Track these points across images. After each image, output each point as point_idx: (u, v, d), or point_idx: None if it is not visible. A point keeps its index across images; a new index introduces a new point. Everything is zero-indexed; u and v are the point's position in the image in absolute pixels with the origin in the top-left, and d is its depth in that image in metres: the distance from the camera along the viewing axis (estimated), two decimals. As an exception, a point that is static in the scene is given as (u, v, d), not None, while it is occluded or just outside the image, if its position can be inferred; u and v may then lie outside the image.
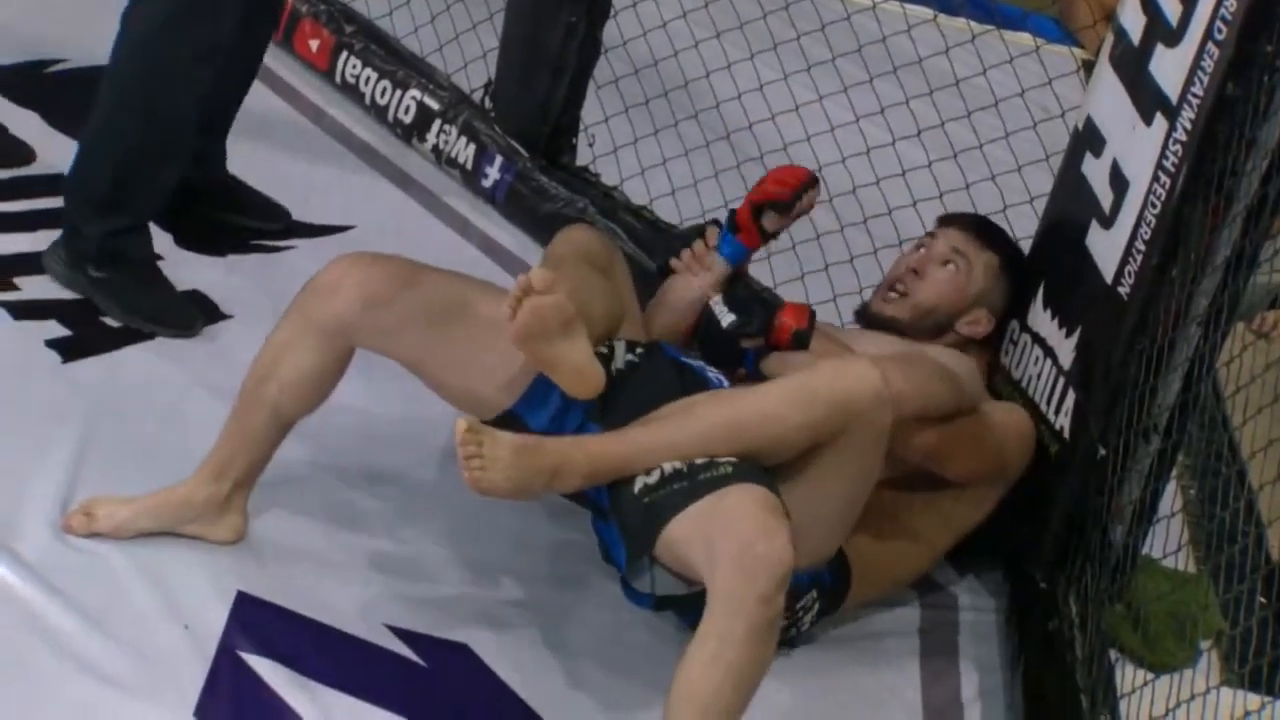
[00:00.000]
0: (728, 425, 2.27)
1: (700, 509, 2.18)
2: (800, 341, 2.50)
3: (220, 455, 2.40)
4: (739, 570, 2.06)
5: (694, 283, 2.67)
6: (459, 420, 2.18)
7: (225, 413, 2.42)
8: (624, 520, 2.28)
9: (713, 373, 2.49)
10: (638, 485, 2.25)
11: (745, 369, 2.54)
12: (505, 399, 2.38)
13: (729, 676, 2.06)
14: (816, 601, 2.49)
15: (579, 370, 2.29)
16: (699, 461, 2.25)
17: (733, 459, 2.25)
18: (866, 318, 2.78)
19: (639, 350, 2.47)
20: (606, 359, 2.41)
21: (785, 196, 2.63)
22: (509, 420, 2.38)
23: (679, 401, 2.36)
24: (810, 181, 2.66)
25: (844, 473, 2.32)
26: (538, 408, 2.38)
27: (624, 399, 2.37)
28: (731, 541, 2.09)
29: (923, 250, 2.78)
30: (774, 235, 2.69)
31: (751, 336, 2.53)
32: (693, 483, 2.22)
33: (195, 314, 2.88)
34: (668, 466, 2.25)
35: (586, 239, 2.61)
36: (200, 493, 2.39)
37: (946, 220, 2.86)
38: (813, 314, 2.54)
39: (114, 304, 2.84)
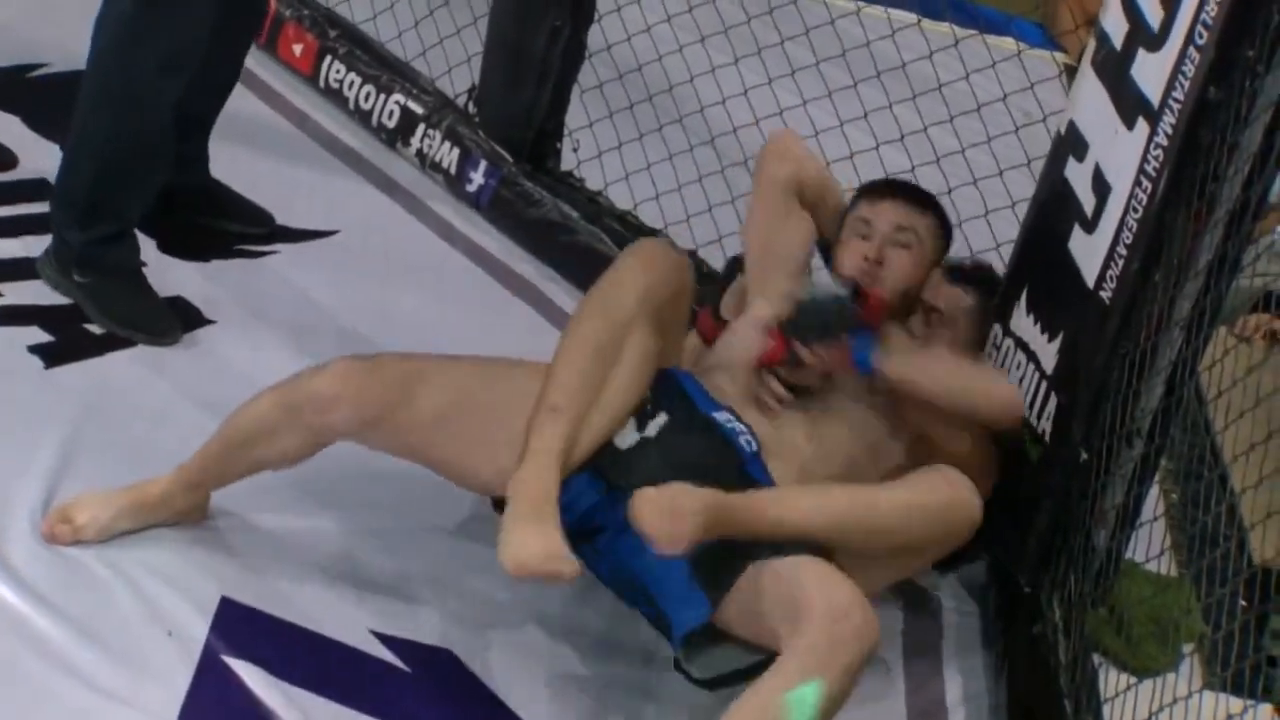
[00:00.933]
0: (866, 523, 2.35)
1: (775, 567, 2.22)
2: (885, 311, 2.57)
3: (200, 470, 2.41)
4: (831, 642, 2.08)
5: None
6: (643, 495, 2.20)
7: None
8: (704, 559, 2.27)
9: (742, 437, 2.46)
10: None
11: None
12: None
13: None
14: None
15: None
16: None
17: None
18: None
19: (653, 413, 2.43)
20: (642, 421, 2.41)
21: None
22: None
23: (814, 486, 2.43)
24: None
25: (900, 572, 2.47)
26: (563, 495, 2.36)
27: (639, 478, 2.32)
28: (820, 608, 2.11)
29: (869, 238, 2.71)
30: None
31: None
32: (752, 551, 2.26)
33: (175, 322, 2.88)
34: None
35: (659, 286, 2.44)
36: (176, 500, 2.42)
37: (870, 194, 2.78)
38: None
39: (95, 309, 2.84)
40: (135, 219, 2.89)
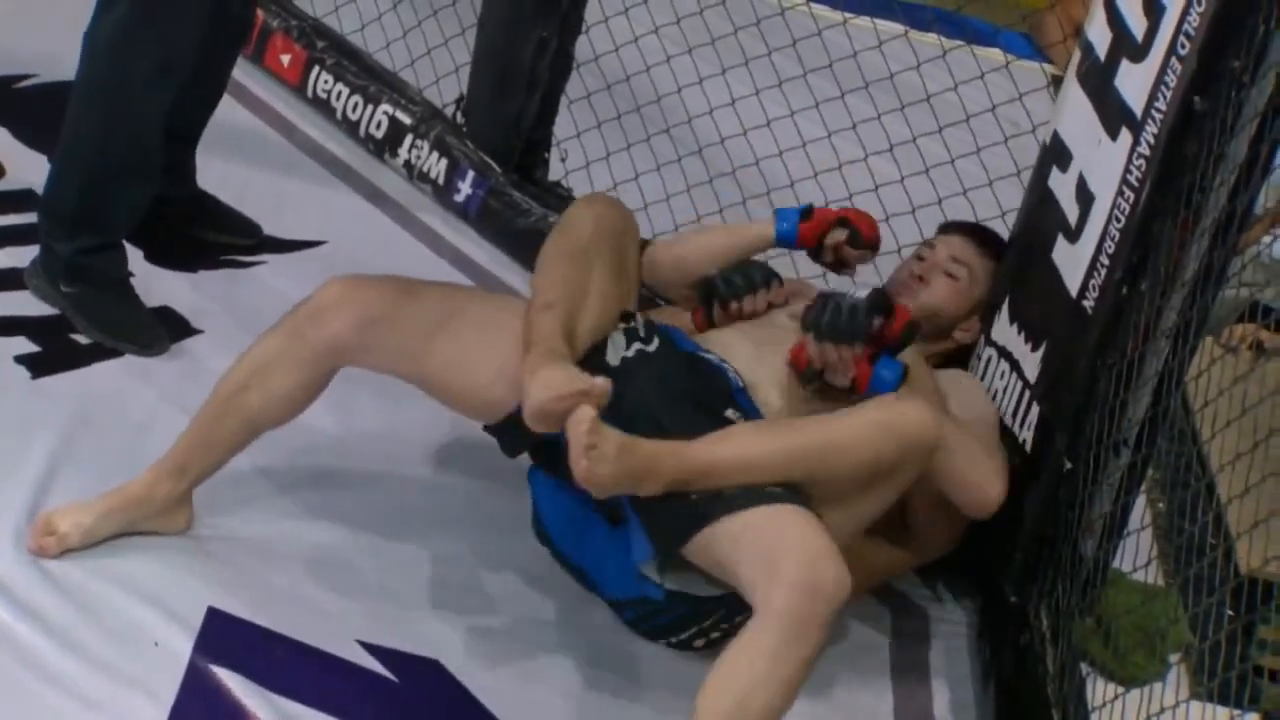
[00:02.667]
0: (818, 449, 2.33)
1: (756, 516, 2.23)
2: (912, 331, 2.56)
3: (182, 453, 2.41)
4: (804, 593, 2.11)
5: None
6: (583, 411, 2.20)
7: (233, 362, 2.42)
8: (658, 511, 2.29)
9: (729, 366, 2.50)
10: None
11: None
12: (513, 398, 2.38)
13: (780, 694, 2.10)
14: None
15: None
16: None
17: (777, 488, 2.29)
18: None
19: (645, 339, 2.48)
20: (601, 351, 2.44)
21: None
22: (517, 420, 2.40)
23: (761, 421, 2.42)
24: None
25: (876, 503, 2.41)
26: None
27: (633, 393, 2.38)
28: (795, 563, 2.13)
29: (924, 259, 2.82)
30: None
31: (882, 316, 2.52)
32: (743, 490, 2.26)
33: (161, 333, 2.89)
34: None
35: (610, 215, 2.58)
36: (160, 489, 2.40)
37: (947, 228, 2.92)
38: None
39: (83, 320, 2.85)
40: (123, 230, 2.90)
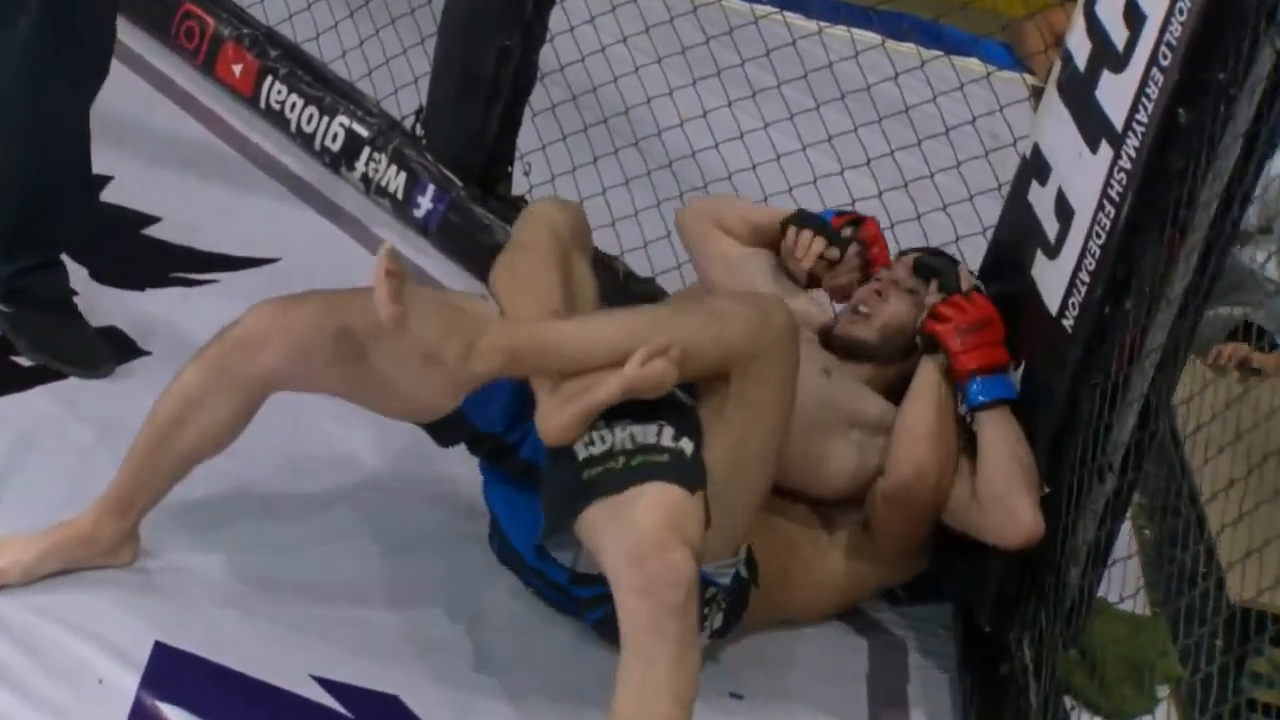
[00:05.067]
0: (653, 320, 2.36)
1: (621, 501, 2.23)
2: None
3: (123, 490, 2.41)
4: (639, 592, 2.14)
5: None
6: (384, 247, 2.20)
7: (161, 394, 2.42)
8: (553, 485, 2.32)
9: None
10: (582, 453, 2.29)
11: (972, 399, 2.66)
12: (449, 401, 2.40)
13: (663, 694, 2.12)
14: (721, 602, 2.52)
15: None
16: (642, 440, 2.29)
17: (672, 445, 2.29)
18: (832, 342, 2.81)
19: None
20: None
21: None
22: (458, 422, 2.41)
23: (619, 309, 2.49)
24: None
25: (755, 399, 2.39)
26: (487, 403, 2.42)
27: None
28: (625, 558, 2.16)
29: (883, 279, 2.86)
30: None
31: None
32: (627, 466, 2.26)
33: (106, 354, 2.89)
34: (617, 440, 2.29)
35: (560, 217, 2.59)
36: (105, 529, 2.41)
37: (905, 252, 2.95)
38: None
39: (24, 342, 2.85)
40: (61, 246, 2.89)
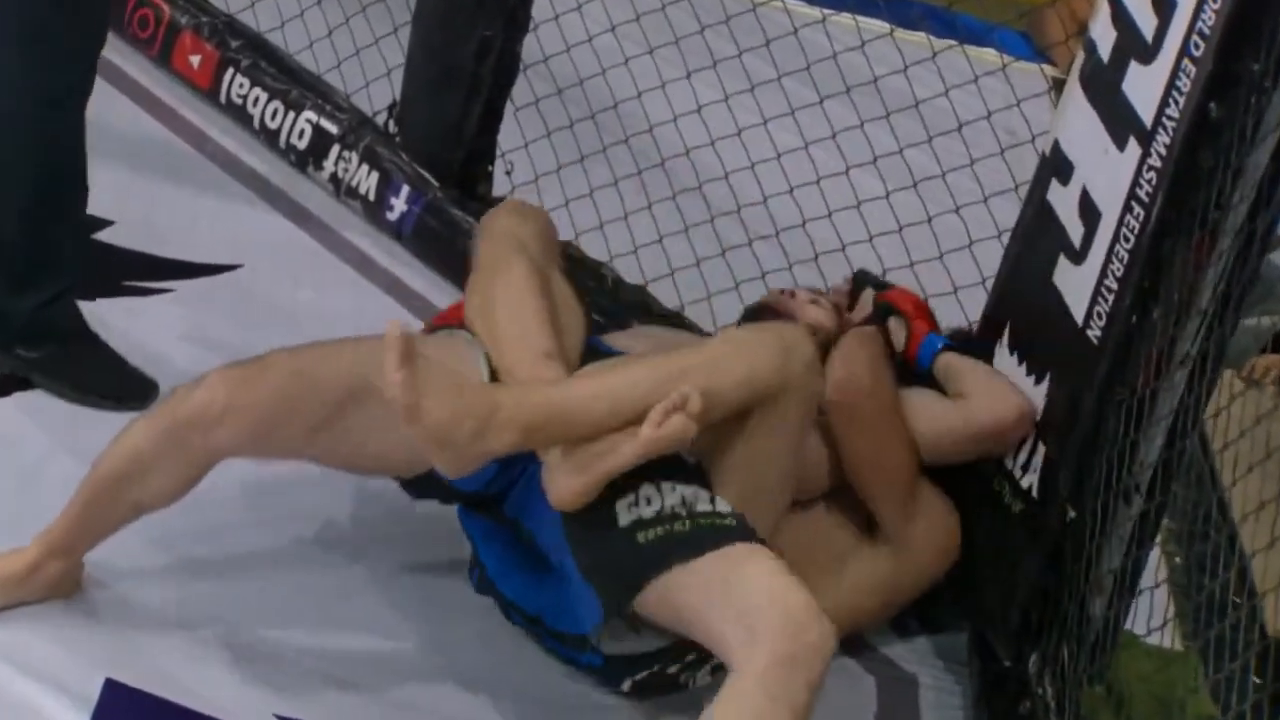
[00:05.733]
0: (671, 369, 2.34)
1: (713, 563, 2.24)
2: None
3: (67, 534, 2.40)
4: (791, 659, 2.13)
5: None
6: (393, 326, 2.16)
7: (108, 446, 2.41)
8: (603, 555, 2.30)
9: None
10: (624, 518, 2.29)
11: (923, 359, 2.85)
12: (423, 462, 2.38)
13: None
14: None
15: None
16: (695, 502, 2.31)
17: (729, 508, 2.32)
18: None
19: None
20: None
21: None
22: (431, 482, 2.41)
23: (618, 358, 2.46)
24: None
25: (776, 436, 2.43)
26: None
27: None
28: (775, 621, 2.15)
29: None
30: None
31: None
32: (695, 527, 2.28)
33: (150, 382, 2.88)
34: (668, 501, 2.30)
35: (527, 232, 2.58)
36: (51, 568, 2.40)
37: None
38: None
39: (63, 385, 2.84)
40: (79, 270, 2.89)
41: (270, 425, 2.33)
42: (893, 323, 2.89)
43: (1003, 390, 2.73)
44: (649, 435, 2.25)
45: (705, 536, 2.27)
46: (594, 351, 2.55)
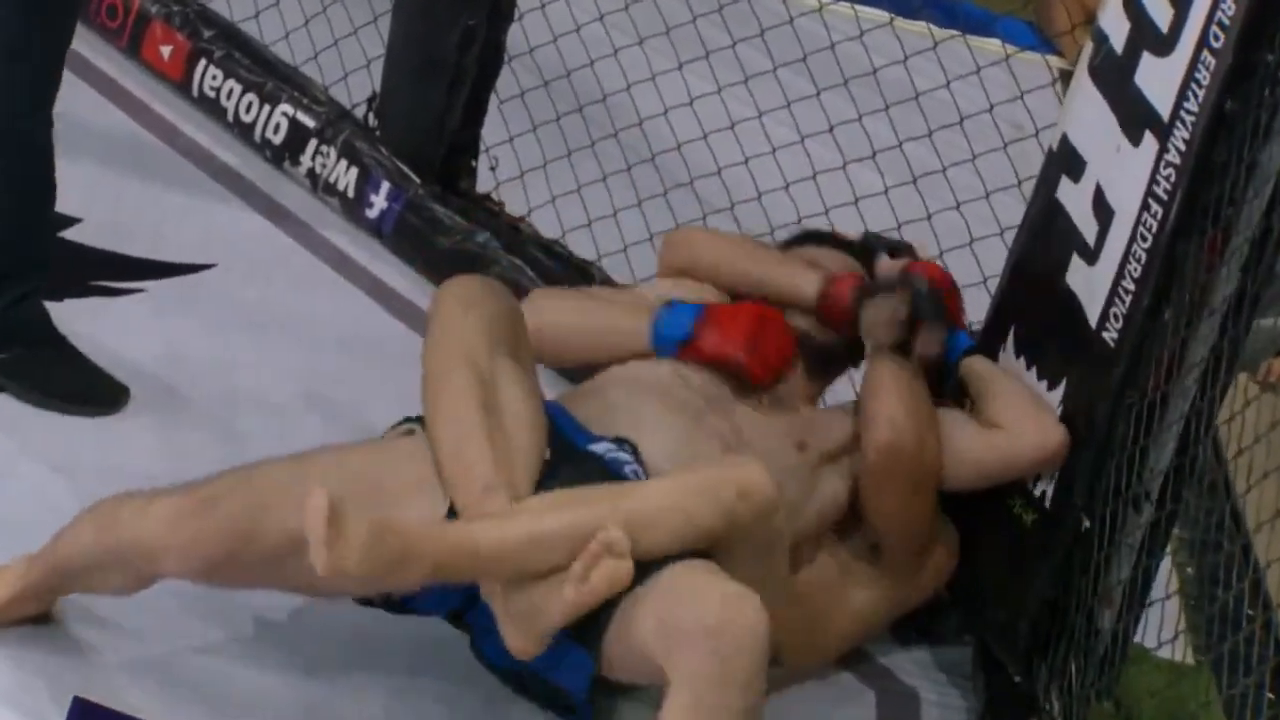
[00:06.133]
0: (603, 508, 2.29)
1: (651, 586, 2.23)
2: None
3: (35, 588, 2.40)
4: (713, 653, 2.12)
5: None
6: (317, 495, 2.16)
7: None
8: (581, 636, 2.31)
9: (628, 467, 2.48)
10: None
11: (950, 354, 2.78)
12: (383, 593, 2.41)
13: None
14: None
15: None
16: None
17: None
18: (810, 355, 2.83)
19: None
20: None
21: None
22: (406, 606, 2.43)
23: (558, 493, 2.37)
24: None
25: (750, 576, 2.33)
26: (427, 593, 2.39)
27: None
28: (694, 615, 2.15)
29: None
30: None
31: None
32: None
33: (119, 387, 2.88)
34: None
35: (492, 310, 2.53)
36: (22, 609, 2.41)
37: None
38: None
39: (28, 389, 2.83)
40: (45, 270, 2.89)
41: (213, 565, 2.33)
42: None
43: (1044, 421, 2.66)
44: (573, 597, 2.23)
45: (655, 565, 2.27)
46: (555, 431, 2.49)
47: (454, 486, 2.35)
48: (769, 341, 2.70)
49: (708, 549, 2.32)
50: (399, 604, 2.43)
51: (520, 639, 2.29)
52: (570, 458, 2.46)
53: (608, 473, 2.45)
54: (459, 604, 2.41)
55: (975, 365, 2.78)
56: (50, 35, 2.75)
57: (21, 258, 2.84)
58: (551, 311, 2.80)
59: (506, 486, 2.33)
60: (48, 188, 2.87)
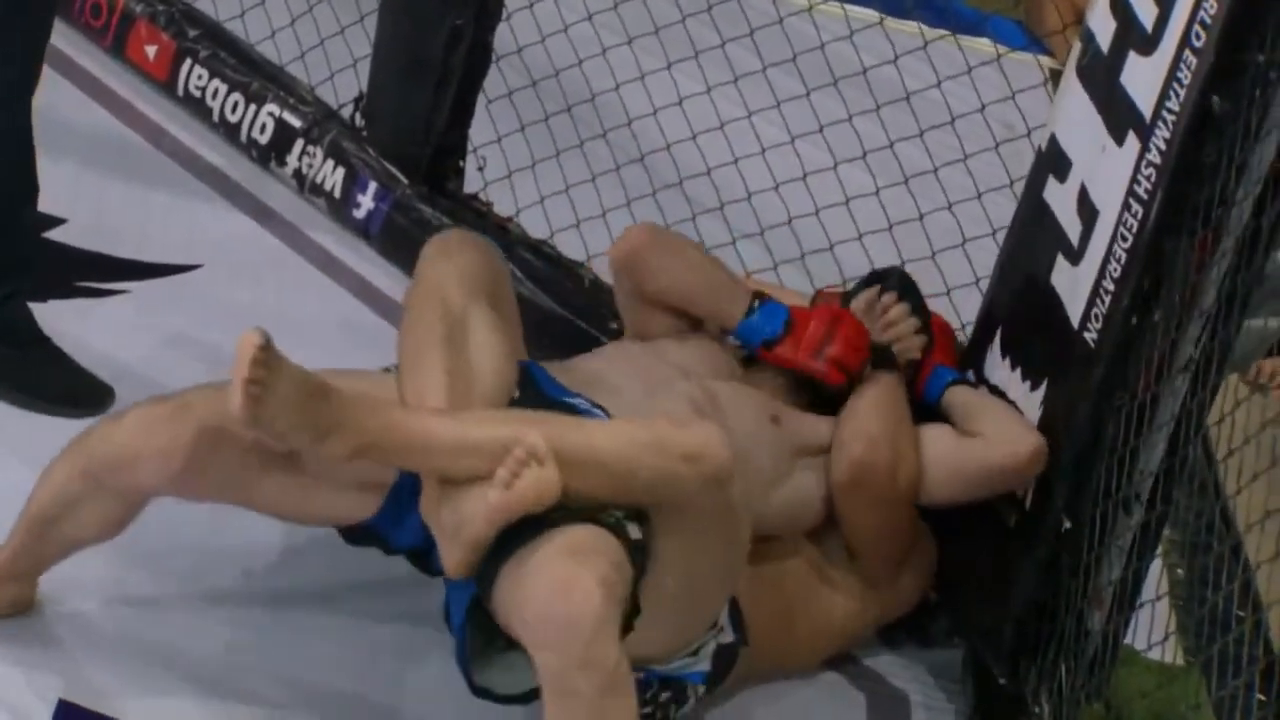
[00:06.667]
0: (556, 440, 2.25)
1: (516, 561, 2.23)
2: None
3: (13, 563, 2.42)
4: (545, 645, 2.14)
5: None
6: (250, 334, 2.15)
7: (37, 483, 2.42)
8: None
9: (602, 413, 2.50)
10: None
11: (930, 394, 2.84)
12: (359, 512, 2.42)
13: None
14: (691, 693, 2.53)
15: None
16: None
17: (620, 516, 2.29)
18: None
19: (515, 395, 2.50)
20: None
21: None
22: (368, 534, 2.44)
23: (504, 410, 2.40)
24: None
25: (685, 543, 2.35)
26: (400, 519, 2.41)
27: None
28: (530, 609, 2.16)
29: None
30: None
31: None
32: (544, 519, 2.23)
33: (104, 387, 2.89)
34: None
35: (473, 263, 2.57)
36: (3, 592, 2.42)
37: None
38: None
39: (13, 389, 2.84)
40: (29, 269, 2.89)
41: (189, 470, 2.33)
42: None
43: (1017, 430, 2.70)
44: (497, 500, 2.20)
45: (546, 522, 2.23)
46: (529, 381, 2.52)
47: (407, 399, 2.36)
48: (847, 346, 2.76)
49: (648, 507, 2.31)
50: (372, 532, 2.43)
51: (452, 553, 2.26)
52: (540, 404, 2.46)
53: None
54: (422, 543, 2.39)
55: (955, 394, 2.82)
56: (26, 27, 2.74)
57: (4, 258, 2.84)
58: (679, 251, 2.90)
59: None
60: (29, 187, 2.87)
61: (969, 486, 2.74)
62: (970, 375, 2.88)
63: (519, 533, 2.23)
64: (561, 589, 2.15)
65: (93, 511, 2.37)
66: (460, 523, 2.25)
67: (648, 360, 2.73)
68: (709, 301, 2.85)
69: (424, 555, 2.44)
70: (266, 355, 2.15)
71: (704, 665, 2.51)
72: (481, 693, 2.36)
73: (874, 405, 2.74)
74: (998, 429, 2.72)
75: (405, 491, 2.37)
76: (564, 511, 2.24)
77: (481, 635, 2.33)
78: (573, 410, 2.48)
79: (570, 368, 2.68)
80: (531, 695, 2.30)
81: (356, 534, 2.47)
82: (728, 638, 2.54)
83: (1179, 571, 3.08)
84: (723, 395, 2.69)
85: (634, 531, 2.30)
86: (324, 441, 2.23)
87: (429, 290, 2.48)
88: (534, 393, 2.51)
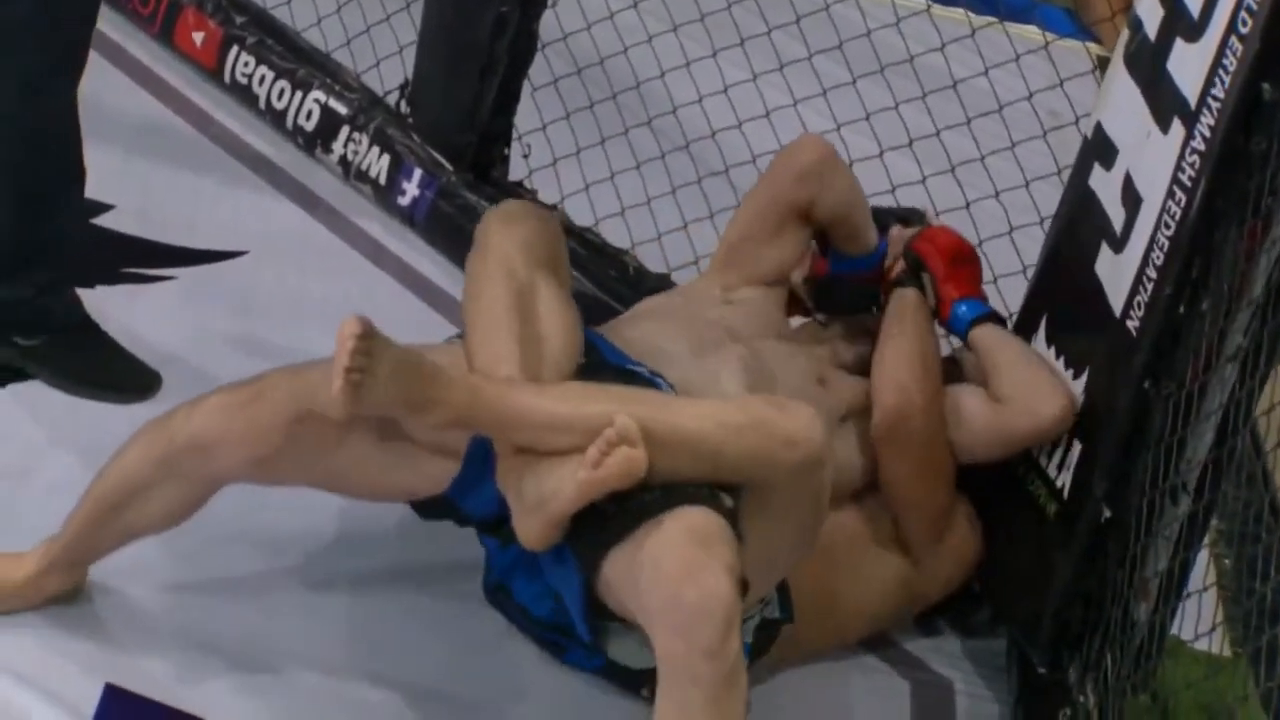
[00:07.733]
0: (651, 421, 2.27)
1: (632, 544, 2.24)
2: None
3: (70, 549, 2.43)
4: (673, 630, 2.14)
5: None
6: (349, 321, 2.19)
7: (84, 473, 2.44)
8: (583, 523, 2.30)
9: (662, 380, 2.52)
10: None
11: (956, 324, 2.89)
12: (434, 485, 2.43)
13: None
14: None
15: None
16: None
17: (714, 491, 2.30)
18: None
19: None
20: None
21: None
22: (444, 506, 2.45)
23: (595, 385, 2.41)
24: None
25: (770, 522, 2.37)
26: (474, 489, 2.42)
27: None
28: (658, 594, 2.17)
29: None
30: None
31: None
32: (650, 500, 2.25)
33: (152, 374, 2.91)
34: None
35: (537, 234, 2.58)
36: (51, 582, 2.44)
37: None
38: None
39: (60, 376, 2.86)
40: (73, 254, 2.91)
41: (269, 453, 2.35)
42: (926, 279, 2.90)
43: (1045, 390, 2.72)
44: (586, 477, 2.22)
45: (654, 505, 2.24)
46: (592, 348, 2.54)
47: (480, 369, 2.38)
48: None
49: (738, 485, 2.33)
50: (447, 503, 2.45)
51: (531, 525, 2.29)
52: (605, 371, 2.49)
53: (645, 383, 2.49)
54: (498, 511, 2.40)
55: (983, 334, 2.84)
56: (73, 11, 2.75)
57: (47, 243, 2.86)
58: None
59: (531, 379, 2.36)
60: (76, 173, 2.89)
61: (991, 451, 2.78)
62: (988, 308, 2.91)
63: (602, 511, 2.26)
64: (691, 576, 2.16)
65: (161, 499, 2.39)
66: (543, 497, 2.27)
67: (695, 321, 2.74)
68: (864, 218, 2.94)
69: (498, 525, 2.45)
70: (367, 344, 2.19)
71: (745, 638, 2.51)
72: (609, 669, 2.44)
73: (905, 348, 2.79)
74: (1022, 389, 2.74)
75: (477, 460, 2.39)
76: (658, 492, 2.25)
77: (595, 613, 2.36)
78: (635, 378, 2.50)
79: (622, 333, 2.68)
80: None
81: (431, 507, 2.48)
82: (773, 613, 2.55)
83: (1226, 562, 3.08)
84: (771, 357, 2.71)
85: (726, 500, 2.32)
86: (418, 415, 2.27)
87: (496, 259, 2.50)
88: (598, 360, 2.52)
